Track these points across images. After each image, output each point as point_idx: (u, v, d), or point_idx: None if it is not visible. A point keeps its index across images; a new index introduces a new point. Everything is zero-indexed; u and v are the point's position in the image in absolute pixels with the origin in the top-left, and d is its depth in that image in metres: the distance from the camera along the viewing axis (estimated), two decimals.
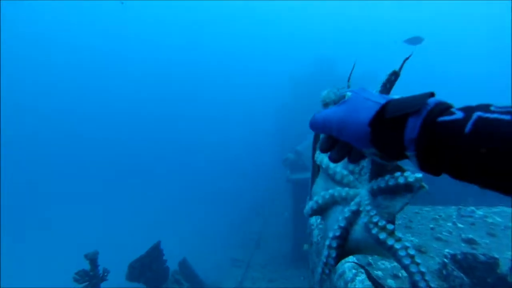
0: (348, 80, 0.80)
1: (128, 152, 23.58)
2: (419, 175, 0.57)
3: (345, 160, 0.63)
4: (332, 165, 0.70)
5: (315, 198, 0.70)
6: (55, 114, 28.08)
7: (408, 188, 0.58)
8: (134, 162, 22.07)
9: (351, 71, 0.82)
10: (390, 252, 0.56)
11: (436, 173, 0.42)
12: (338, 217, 0.64)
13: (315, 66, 14.20)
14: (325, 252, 0.62)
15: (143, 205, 15.54)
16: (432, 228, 2.78)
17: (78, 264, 4.37)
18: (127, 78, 33.01)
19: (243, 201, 11.50)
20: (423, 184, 0.58)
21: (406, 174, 0.58)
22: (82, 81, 31.19)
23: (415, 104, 0.42)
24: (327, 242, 0.62)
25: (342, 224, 0.62)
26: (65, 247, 11.90)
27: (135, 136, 25.68)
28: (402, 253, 0.55)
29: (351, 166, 0.68)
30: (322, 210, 0.69)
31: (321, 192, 0.70)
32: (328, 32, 31.90)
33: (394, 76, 0.74)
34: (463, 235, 2.45)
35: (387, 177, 0.62)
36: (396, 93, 0.51)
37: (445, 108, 0.41)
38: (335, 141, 0.55)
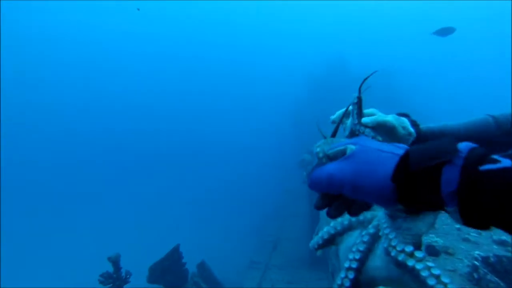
0: (358, 105, 0.76)
1: (144, 153, 24.08)
2: None
3: None
4: None
5: (332, 224, 0.66)
6: (58, 114, 28.49)
7: None
8: (151, 164, 22.55)
9: (359, 93, 0.78)
10: (412, 275, 0.52)
11: (484, 227, 0.37)
12: (356, 241, 0.61)
13: (329, 65, 14.05)
14: (342, 274, 0.59)
15: (161, 207, 15.87)
16: (458, 229, 2.64)
17: (96, 266, 4.51)
18: (137, 79, 32.99)
19: (260, 202, 11.50)
20: None
21: None
22: (85, 81, 31.39)
23: (446, 152, 0.38)
24: (346, 265, 0.58)
25: (361, 248, 0.59)
26: (83, 249, 12.31)
27: (151, 137, 26.16)
28: (424, 273, 0.50)
29: None
30: (339, 235, 0.66)
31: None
32: (342, 29, 31.42)
33: (358, 101, 0.73)
34: (494, 237, 2.31)
35: None
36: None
37: (482, 154, 0.37)
38: (334, 197, 0.49)
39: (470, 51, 27.67)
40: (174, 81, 33.47)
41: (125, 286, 4.23)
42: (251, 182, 15.03)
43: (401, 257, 0.52)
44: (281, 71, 29.68)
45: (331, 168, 0.47)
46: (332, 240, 0.67)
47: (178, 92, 32.19)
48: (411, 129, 0.83)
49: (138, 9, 22.93)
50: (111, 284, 4.30)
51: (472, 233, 2.51)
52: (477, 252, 2.06)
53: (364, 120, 0.77)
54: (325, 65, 14.34)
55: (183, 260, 4.91)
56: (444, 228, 2.72)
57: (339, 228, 0.65)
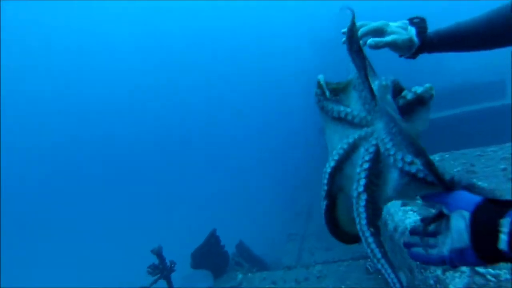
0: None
1: (171, 143, 24.68)
2: (428, 84, 0.56)
3: (363, 99, 0.64)
4: (349, 109, 0.67)
5: (339, 146, 0.68)
6: (64, 114, 29.54)
7: (420, 102, 0.56)
8: (178, 154, 23.16)
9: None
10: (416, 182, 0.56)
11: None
12: (364, 155, 0.63)
13: (336, 26, 13.08)
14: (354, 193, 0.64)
15: (193, 191, 16.44)
16: (504, 169, 2.38)
17: (142, 260, 4.78)
18: (137, 77, 33.05)
19: (288, 176, 11.51)
20: (433, 92, 0.55)
21: (413, 89, 0.57)
22: (85, 81, 32.07)
23: None
24: (354, 194, 0.63)
25: (367, 158, 0.62)
26: (114, 244, 13.17)
27: (173, 127, 26.61)
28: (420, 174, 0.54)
29: (367, 106, 0.64)
30: (347, 156, 0.67)
31: (343, 140, 0.68)
32: None
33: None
34: None
35: (396, 99, 0.61)
36: None
37: None
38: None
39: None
40: (187, 73, 33.01)
41: (172, 275, 4.47)
42: (277, 155, 15.02)
43: (404, 166, 0.54)
44: (288, 36, 28.22)
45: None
46: (342, 163, 0.68)
47: (199, 81, 31.84)
48: (415, 38, 0.89)
49: None
50: (159, 274, 4.57)
51: None
52: None
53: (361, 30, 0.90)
54: (332, 26, 13.43)
55: (222, 243, 5.07)
56: (485, 171, 2.46)
57: (345, 147, 0.66)
